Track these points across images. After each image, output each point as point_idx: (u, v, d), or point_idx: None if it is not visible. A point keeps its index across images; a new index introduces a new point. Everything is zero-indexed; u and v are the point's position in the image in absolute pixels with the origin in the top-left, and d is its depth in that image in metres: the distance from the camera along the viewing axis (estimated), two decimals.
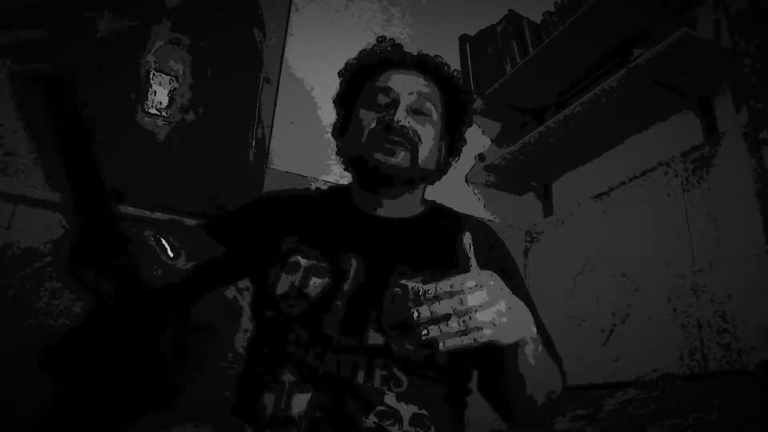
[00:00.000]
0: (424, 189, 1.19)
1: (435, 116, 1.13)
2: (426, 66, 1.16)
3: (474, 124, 2.70)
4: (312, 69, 2.15)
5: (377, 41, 1.22)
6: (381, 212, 1.12)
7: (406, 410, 0.89)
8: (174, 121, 1.88)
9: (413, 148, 1.07)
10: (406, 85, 1.11)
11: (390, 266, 1.00)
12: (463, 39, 2.62)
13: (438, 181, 1.21)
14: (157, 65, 1.89)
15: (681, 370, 1.59)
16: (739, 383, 1.32)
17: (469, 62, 2.56)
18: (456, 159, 1.25)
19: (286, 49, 2.15)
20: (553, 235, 2.30)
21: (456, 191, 2.34)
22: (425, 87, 1.13)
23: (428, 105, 1.12)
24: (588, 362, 1.88)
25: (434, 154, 1.13)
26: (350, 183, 1.20)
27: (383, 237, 1.07)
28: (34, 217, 1.56)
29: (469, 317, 0.68)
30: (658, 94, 1.89)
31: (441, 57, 1.19)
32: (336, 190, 1.23)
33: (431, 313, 0.68)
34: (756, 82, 1.61)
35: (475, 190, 2.46)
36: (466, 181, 2.45)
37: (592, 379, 1.76)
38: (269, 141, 2.01)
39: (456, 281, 0.70)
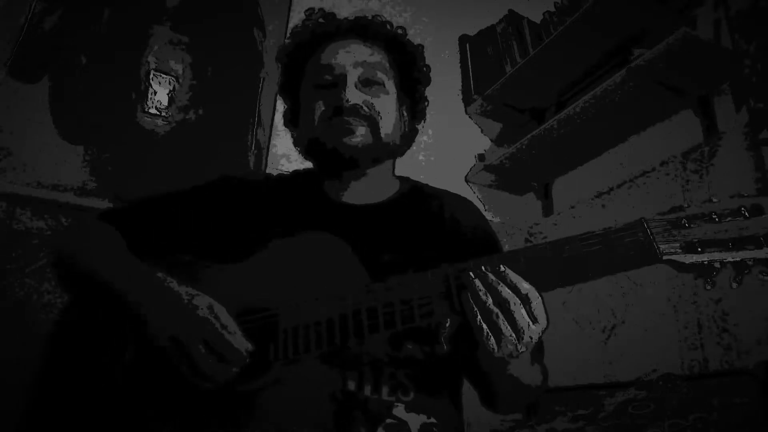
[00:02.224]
0: (394, 165, 1.10)
1: (388, 83, 1.03)
2: (365, 30, 1.05)
3: (474, 124, 2.67)
4: None
5: (306, 15, 1.10)
6: (355, 199, 1.02)
7: (415, 420, 0.85)
8: (174, 121, 1.88)
9: (372, 123, 0.98)
10: (349, 57, 1.01)
11: (381, 262, 0.92)
12: (463, 39, 2.62)
13: (407, 151, 1.10)
14: (157, 65, 1.89)
15: (681, 370, 1.59)
16: (739, 383, 1.32)
17: (469, 62, 2.56)
18: (422, 122, 1.14)
19: None
20: (553, 235, 2.29)
21: (456, 191, 2.34)
22: (370, 55, 1.03)
23: (378, 74, 1.01)
24: (588, 362, 1.88)
25: (398, 125, 1.04)
26: (313, 168, 1.10)
27: (364, 229, 0.97)
28: (34, 217, 1.57)
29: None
30: (658, 94, 1.89)
31: (380, 16, 1.08)
32: (300, 175, 1.12)
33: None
34: (756, 82, 1.61)
35: (475, 190, 2.46)
36: (466, 181, 2.45)
37: (592, 379, 1.76)
38: (269, 142, 2.01)
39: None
